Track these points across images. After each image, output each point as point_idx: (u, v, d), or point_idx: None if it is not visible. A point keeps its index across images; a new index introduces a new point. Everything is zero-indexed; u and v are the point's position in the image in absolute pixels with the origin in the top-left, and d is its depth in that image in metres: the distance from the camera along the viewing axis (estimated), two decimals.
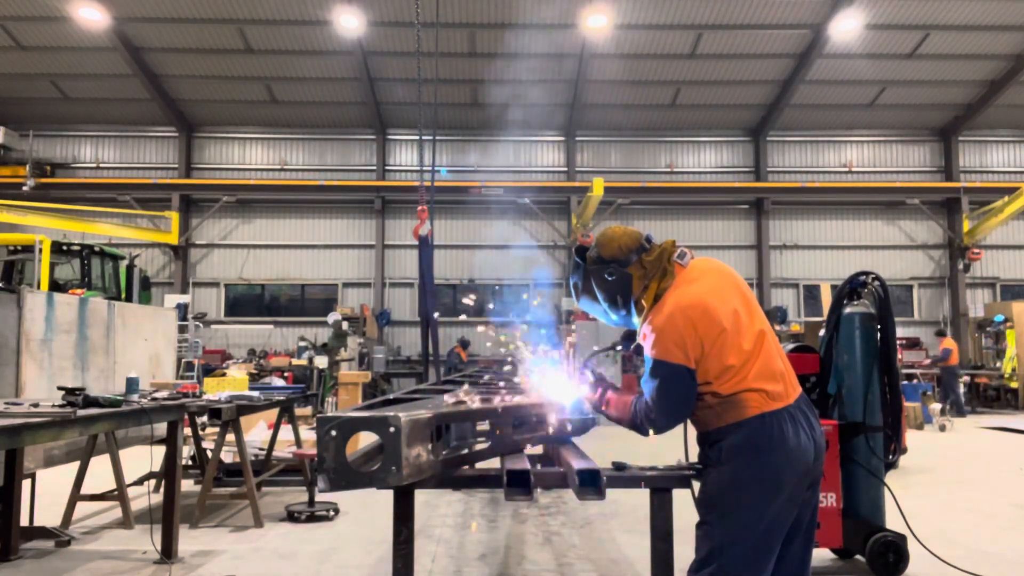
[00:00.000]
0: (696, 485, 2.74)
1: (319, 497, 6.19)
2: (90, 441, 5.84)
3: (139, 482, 6.69)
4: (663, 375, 2.48)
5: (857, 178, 21.50)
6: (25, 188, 19.17)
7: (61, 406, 3.99)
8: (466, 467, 2.83)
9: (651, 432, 2.61)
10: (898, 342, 5.93)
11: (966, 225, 20.46)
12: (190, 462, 7.06)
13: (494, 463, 2.83)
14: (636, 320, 2.71)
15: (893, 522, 4.63)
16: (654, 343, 2.48)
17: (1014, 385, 16.71)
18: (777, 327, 19.38)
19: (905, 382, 14.33)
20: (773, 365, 2.51)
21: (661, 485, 2.74)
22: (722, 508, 2.46)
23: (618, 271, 2.64)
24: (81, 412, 3.92)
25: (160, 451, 5.73)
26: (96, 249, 13.92)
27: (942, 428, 12.57)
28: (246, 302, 21.14)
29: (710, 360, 2.46)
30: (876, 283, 4.87)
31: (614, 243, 2.67)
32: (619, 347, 3.08)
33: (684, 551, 2.78)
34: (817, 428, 2.53)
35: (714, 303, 2.49)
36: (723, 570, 2.40)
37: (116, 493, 5.85)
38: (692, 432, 3.64)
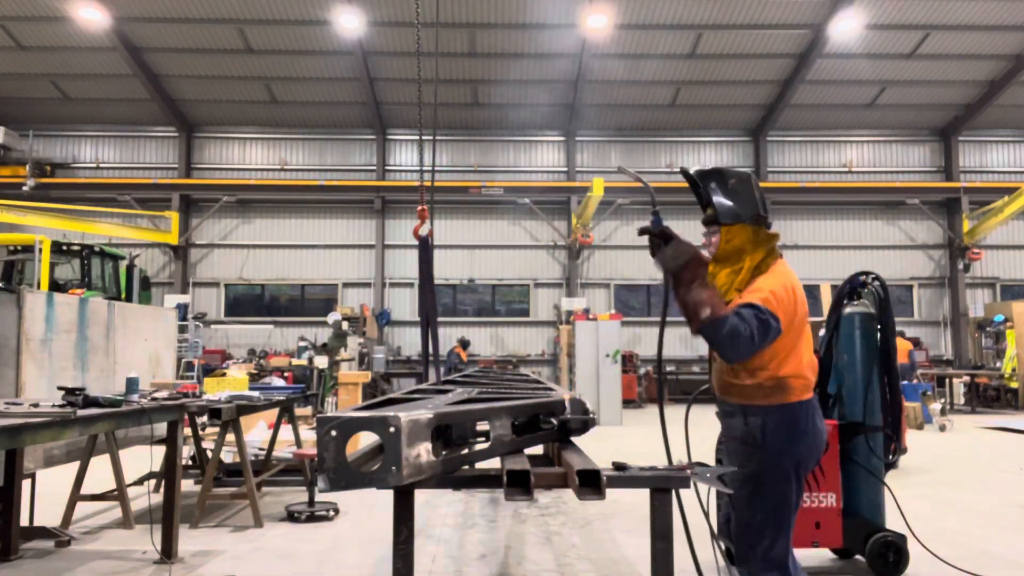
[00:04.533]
0: (692, 484, 2.74)
1: (319, 497, 6.19)
2: (90, 441, 5.83)
3: (139, 482, 6.69)
4: (763, 319, 2.73)
5: (857, 178, 21.52)
6: (25, 188, 19.19)
7: (61, 406, 3.99)
8: (466, 467, 2.82)
9: (726, 345, 2.69)
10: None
11: (966, 225, 20.47)
12: (190, 462, 7.05)
13: (494, 463, 2.82)
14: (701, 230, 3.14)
15: (893, 522, 4.63)
16: (766, 296, 2.79)
17: (1014, 385, 16.70)
18: None
19: (905, 382, 14.33)
20: (812, 355, 2.98)
21: (661, 485, 2.73)
22: (770, 485, 2.84)
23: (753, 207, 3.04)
24: (81, 412, 3.92)
25: (160, 451, 5.73)
26: (96, 249, 13.92)
27: (942, 428, 12.56)
28: (246, 302, 21.15)
29: (788, 336, 2.83)
30: (876, 283, 4.87)
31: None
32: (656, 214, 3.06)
33: (684, 551, 2.79)
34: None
35: (804, 294, 3.01)
36: (776, 543, 2.84)
37: (116, 493, 5.84)
38: (692, 434, 3.68)
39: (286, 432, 7.43)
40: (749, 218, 3.00)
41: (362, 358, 17.24)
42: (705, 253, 3.00)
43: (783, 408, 2.84)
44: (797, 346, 2.87)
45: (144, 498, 6.40)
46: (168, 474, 4.99)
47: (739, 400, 2.93)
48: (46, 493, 5.93)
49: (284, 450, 7.47)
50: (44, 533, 5.32)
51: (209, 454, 6.52)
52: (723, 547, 4.67)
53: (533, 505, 6.54)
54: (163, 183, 20.37)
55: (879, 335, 4.78)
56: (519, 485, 2.48)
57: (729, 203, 3.02)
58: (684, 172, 3.20)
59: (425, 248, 5.78)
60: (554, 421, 3.06)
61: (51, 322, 5.71)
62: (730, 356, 2.76)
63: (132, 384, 4.91)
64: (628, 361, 18.14)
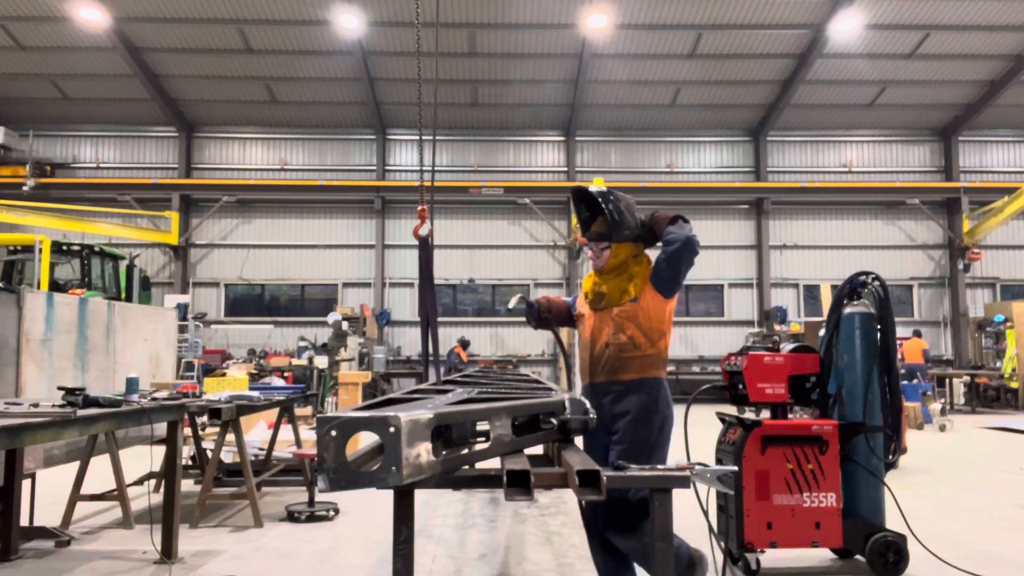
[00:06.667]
0: (692, 484, 2.75)
1: (319, 497, 6.18)
2: (90, 441, 5.83)
3: (139, 482, 6.68)
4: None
5: (857, 178, 21.52)
6: (25, 188, 19.19)
7: (61, 406, 3.99)
8: (466, 467, 2.82)
9: (694, 250, 3.44)
10: (898, 342, 5.91)
11: (966, 225, 20.48)
12: (190, 462, 7.05)
13: (494, 463, 2.83)
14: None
15: (893, 522, 4.63)
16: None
17: (1014, 385, 16.70)
18: (777, 327, 19.38)
19: (905, 382, 14.33)
20: None
21: (661, 485, 2.73)
22: (661, 450, 3.35)
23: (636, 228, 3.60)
24: (81, 412, 3.92)
25: (160, 451, 5.73)
26: (96, 249, 13.92)
27: (942, 428, 12.56)
28: (246, 302, 21.15)
29: (670, 317, 3.53)
30: (876, 283, 4.86)
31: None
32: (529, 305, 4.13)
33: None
34: None
35: None
36: None
37: (116, 493, 5.84)
38: (692, 434, 3.70)
39: (286, 432, 7.43)
40: (633, 237, 3.53)
41: (362, 358, 17.24)
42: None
43: (662, 380, 3.45)
44: (671, 329, 3.52)
45: (144, 498, 6.40)
46: (168, 474, 4.98)
47: (636, 375, 3.38)
48: (46, 493, 5.93)
49: (284, 450, 7.46)
50: (44, 533, 5.32)
51: (209, 454, 6.52)
52: (723, 546, 4.67)
53: (533, 505, 6.54)
54: (163, 183, 20.36)
55: (879, 335, 4.77)
56: (519, 485, 2.48)
57: (622, 223, 3.47)
58: (579, 189, 3.65)
59: (425, 248, 5.77)
60: (554, 421, 3.06)
61: (51, 322, 5.71)
62: (691, 262, 3.40)
63: (132, 384, 4.90)
64: None
